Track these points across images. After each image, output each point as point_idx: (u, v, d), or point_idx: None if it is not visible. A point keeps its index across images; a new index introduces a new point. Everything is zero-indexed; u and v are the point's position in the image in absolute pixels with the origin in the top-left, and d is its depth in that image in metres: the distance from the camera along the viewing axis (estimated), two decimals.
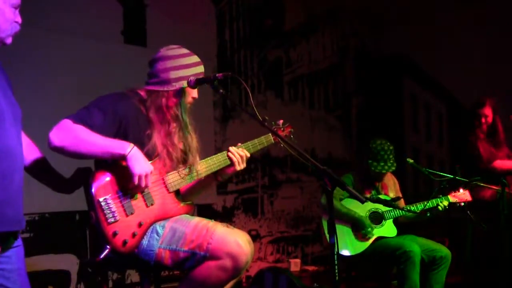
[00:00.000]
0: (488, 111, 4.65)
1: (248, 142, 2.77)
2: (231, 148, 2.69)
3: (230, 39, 5.79)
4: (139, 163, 2.33)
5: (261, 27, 6.11)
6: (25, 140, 2.30)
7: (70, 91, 4.26)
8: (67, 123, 2.30)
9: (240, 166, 2.69)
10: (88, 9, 4.54)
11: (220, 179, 2.78)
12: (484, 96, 4.73)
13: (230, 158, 2.67)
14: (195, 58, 2.59)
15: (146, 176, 2.35)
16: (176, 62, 2.53)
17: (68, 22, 4.41)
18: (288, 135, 2.97)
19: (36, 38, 4.13)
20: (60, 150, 2.29)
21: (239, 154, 2.68)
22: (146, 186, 2.38)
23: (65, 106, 4.00)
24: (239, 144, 2.75)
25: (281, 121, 2.97)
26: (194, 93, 2.58)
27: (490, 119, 4.66)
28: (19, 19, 2.12)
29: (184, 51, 2.58)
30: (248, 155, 2.72)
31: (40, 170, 2.36)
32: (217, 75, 2.44)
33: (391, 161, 3.93)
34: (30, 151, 2.32)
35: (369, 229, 3.81)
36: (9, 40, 2.11)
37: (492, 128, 4.67)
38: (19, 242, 2.13)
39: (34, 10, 3.89)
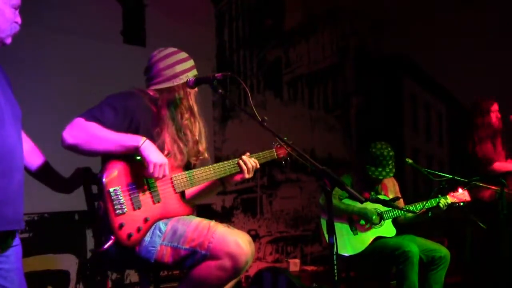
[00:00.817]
0: (496, 107, 4.65)
1: (253, 155, 2.79)
2: (244, 157, 2.72)
3: (230, 39, 5.79)
4: (153, 154, 2.37)
5: (261, 27, 6.10)
6: (27, 142, 2.31)
7: (70, 91, 4.26)
8: (79, 121, 2.32)
9: (249, 174, 2.73)
10: (87, 9, 4.55)
11: (226, 186, 2.81)
12: (484, 96, 4.72)
13: (240, 166, 2.70)
14: (185, 54, 2.70)
15: (160, 165, 2.38)
16: (176, 58, 2.63)
17: (68, 22, 4.41)
18: (285, 156, 2.98)
19: (36, 38, 4.13)
20: (74, 148, 2.31)
21: (251, 164, 2.72)
22: (164, 175, 2.41)
23: (65, 106, 4.02)
24: (248, 153, 2.77)
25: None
26: None
27: (499, 115, 4.65)
28: (19, 20, 2.13)
29: (174, 49, 2.69)
30: (258, 166, 2.76)
31: (41, 172, 2.37)
32: (216, 75, 2.48)
33: (390, 167, 3.90)
34: (31, 154, 2.34)
35: (374, 216, 3.81)
36: (8, 40, 2.12)
37: (493, 126, 4.67)
38: (17, 241, 2.14)
39: (34, 10, 3.90)
